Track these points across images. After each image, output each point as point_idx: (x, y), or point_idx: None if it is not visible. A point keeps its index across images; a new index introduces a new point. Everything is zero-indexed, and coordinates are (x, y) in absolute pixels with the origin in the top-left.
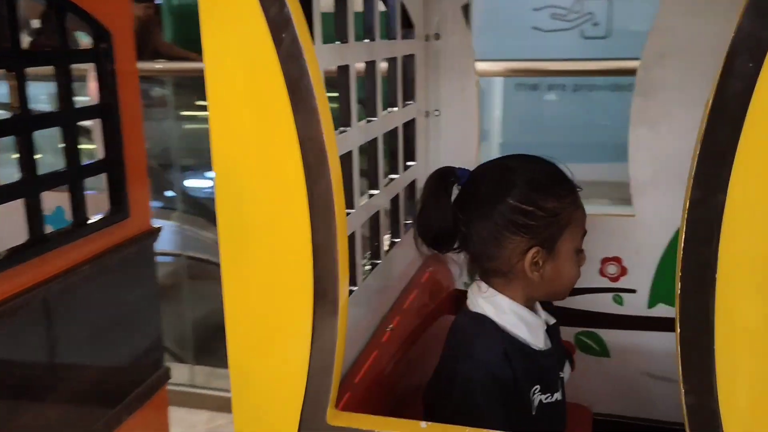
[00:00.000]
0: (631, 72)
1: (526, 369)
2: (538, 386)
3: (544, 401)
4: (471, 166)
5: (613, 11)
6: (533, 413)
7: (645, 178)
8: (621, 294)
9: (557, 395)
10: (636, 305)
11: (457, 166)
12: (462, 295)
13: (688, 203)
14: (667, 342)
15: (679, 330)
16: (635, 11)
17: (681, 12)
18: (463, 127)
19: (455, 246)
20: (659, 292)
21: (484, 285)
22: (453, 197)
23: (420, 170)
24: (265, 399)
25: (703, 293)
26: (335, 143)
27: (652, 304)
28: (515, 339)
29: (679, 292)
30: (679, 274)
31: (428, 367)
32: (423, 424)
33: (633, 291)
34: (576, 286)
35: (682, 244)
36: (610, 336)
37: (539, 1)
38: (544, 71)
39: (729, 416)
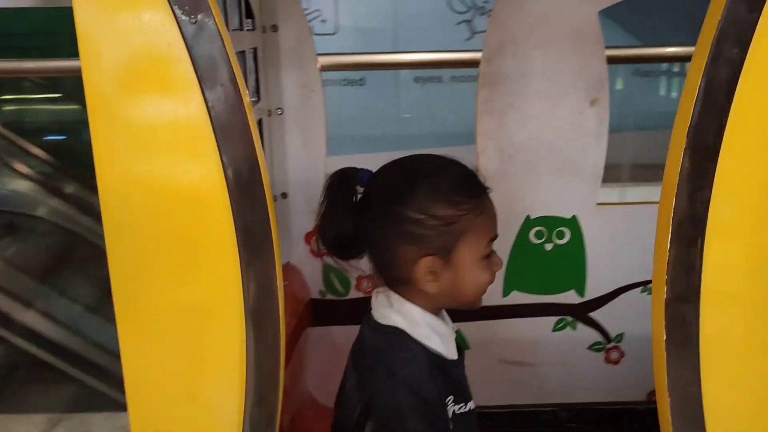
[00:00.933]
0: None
1: (443, 381)
2: (452, 397)
3: (458, 412)
4: (318, 168)
5: (339, 8)
6: (450, 427)
7: (494, 167)
8: None
9: (470, 404)
10: (492, 295)
11: (359, 167)
12: (320, 304)
13: (674, 197)
14: (521, 328)
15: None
16: (359, 9)
17: (512, 7)
18: (308, 126)
19: (360, 254)
20: (512, 280)
21: (393, 295)
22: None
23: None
24: None
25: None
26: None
27: (506, 292)
28: (430, 351)
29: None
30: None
31: (315, 382)
32: None
33: None
34: None
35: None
36: (468, 328)
37: None
38: (394, 63)
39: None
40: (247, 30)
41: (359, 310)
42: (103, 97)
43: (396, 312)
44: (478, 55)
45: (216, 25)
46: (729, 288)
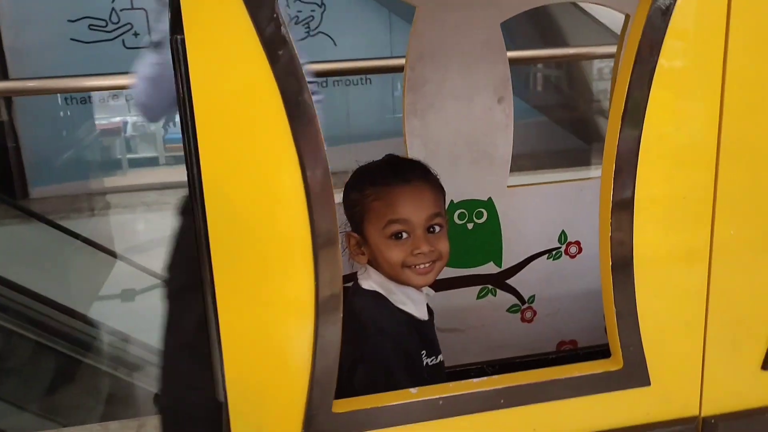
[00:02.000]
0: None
1: (415, 336)
2: (425, 351)
3: (430, 363)
4: None
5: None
6: (425, 376)
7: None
8: None
9: (440, 357)
10: None
11: None
12: None
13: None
14: (450, 298)
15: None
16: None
17: (428, 21)
18: None
19: None
20: None
21: (370, 268)
22: None
23: None
24: (266, 405)
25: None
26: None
27: None
28: (405, 312)
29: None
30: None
31: None
32: (413, 390)
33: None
34: None
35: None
36: None
37: (74, 12)
38: (324, 72)
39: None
40: None
41: None
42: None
43: (373, 281)
44: (402, 61)
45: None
46: (654, 227)
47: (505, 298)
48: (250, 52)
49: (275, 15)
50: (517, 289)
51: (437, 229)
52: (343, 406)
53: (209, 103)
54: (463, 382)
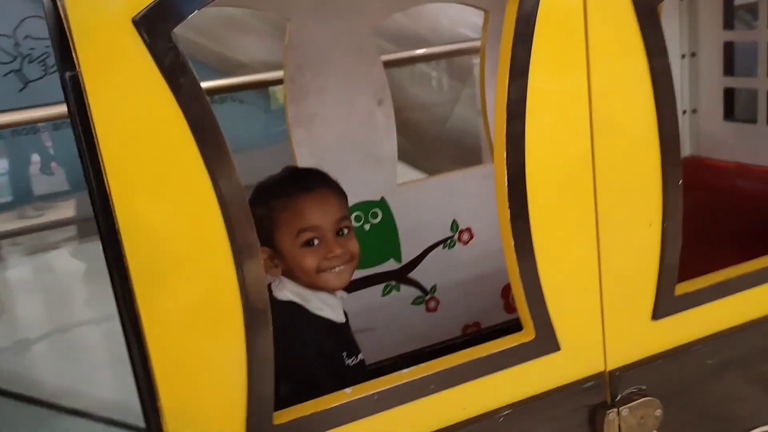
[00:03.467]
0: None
1: (334, 339)
2: (345, 352)
3: (351, 364)
4: None
5: None
6: (349, 376)
7: None
8: None
9: (360, 356)
10: None
11: None
12: None
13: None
14: (358, 300)
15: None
16: None
17: (301, 34)
18: None
19: None
20: None
21: (284, 279)
22: None
23: None
24: (206, 427)
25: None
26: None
27: None
28: (323, 318)
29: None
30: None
31: None
32: (347, 390)
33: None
34: None
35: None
36: None
37: None
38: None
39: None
40: None
41: None
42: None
43: (289, 291)
44: (280, 73)
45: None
46: (546, 206)
47: (408, 292)
48: (151, 82)
49: (172, 43)
50: (419, 281)
51: (346, 231)
52: (283, 416)
53: (115, 138)
54: (394, 374)
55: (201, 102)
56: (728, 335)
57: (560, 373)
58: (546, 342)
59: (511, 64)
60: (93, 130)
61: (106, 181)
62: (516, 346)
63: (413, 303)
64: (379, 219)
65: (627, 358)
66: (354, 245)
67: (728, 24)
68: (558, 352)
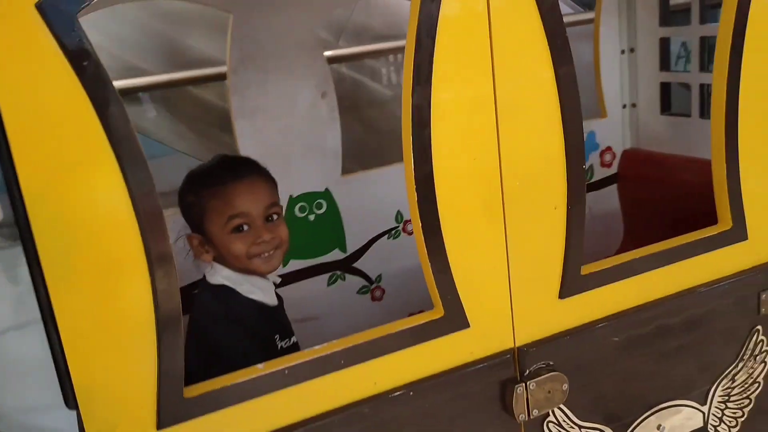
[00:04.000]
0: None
1: (267, 322)
2: (278, 335)
3: (285, 346)
4: None
5: None
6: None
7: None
8: None
9: (293, 338)
10: None
11: None
12: None
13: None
14: (302, 289)
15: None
16: None
17: (244, 29)
18: None
19: None
20: (289, 251)
21: (216, 264)
22: None
23: None
24: (118, 403)
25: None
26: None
27: (285, 262)
28: (255, 302)
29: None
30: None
31: None
32: (260, 365)
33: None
34: None
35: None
36: None
37: None
38: (139, 87)
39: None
40: None
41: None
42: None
43: (221, 275)
44: (224, 69)
45: None
46: (454, 190)
47: (354, 282)
48: (57, 67)
49: (76, 28)
50: (364, 271)
51: (275, 217)
52: (194, 391)
53: (22, 126)
54: (305, 351)
55: (106, 88)
56: (632, 314)
57: (470, 349)
58: (455, 319)
59: (415, 58)
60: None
61: (16, 175)
62: (426, 323)
63: (358, 292)
64: (323, 210)
65: (535, 335)
66: (283, 231)
67: (664, 21)
68: (467, 329)
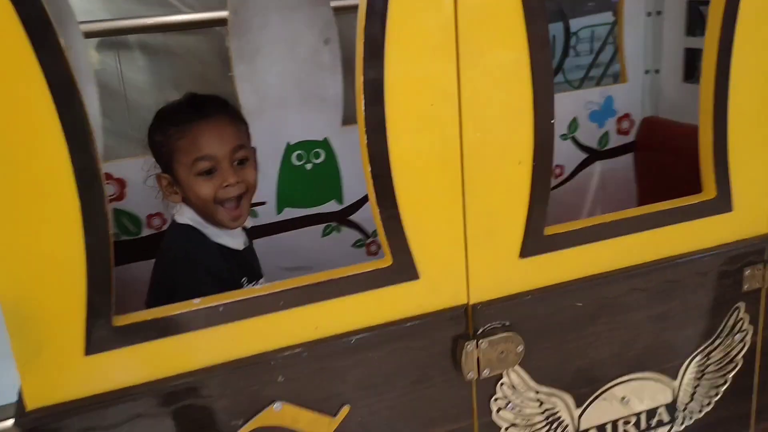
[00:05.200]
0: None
1: (234, 266)
2: (246, 278)
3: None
4: None
5: None
6: None
7: (252, 105)
8: (254, 208)
9: (261, 281)
10: (268, 213)
11: None
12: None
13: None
14: (296, 238)
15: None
16: None
17: None
18: None
19: None
20: (283, 199)
21: (184, 206)
22: None
23: None
24: (44, 327)
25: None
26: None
27: (279, 210)
28: (218, 244)
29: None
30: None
31: None
32: (196, 300)
33: (263, 203)
34: None
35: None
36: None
37: None
38: (126, 29)
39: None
40: None
41: (155, 245)
42: None
43: (187, 216)
44: (224, 13)
45: None
46: (407, 137)
47: (350, 234)
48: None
49: None
50: (360, 224)
51: (244, 161)
52: (123, 320)
53: None
54: (244, 290)
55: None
56: (600, 279)
57: (418, 302)
58: (403, 269)
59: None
60: None
61: None
62: (372, 270)
63: (354, 245)
64: (321, 159)
65: (491, 294)
66: (251, 175)
67: None
68: (416, 281)
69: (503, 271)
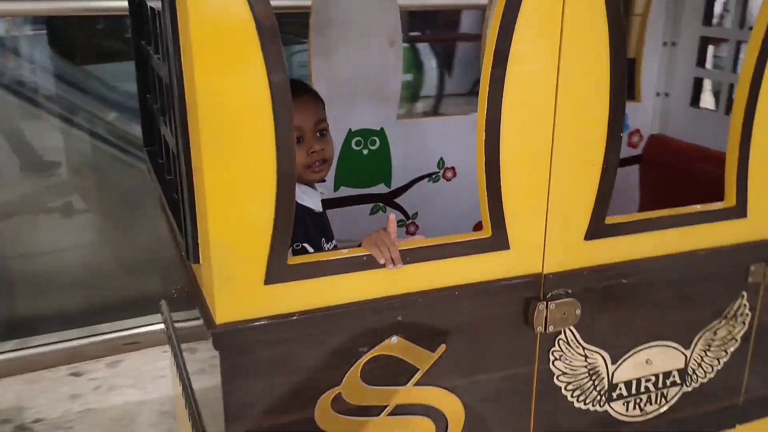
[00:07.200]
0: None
1: (314, 225)
2: (324, 238)
3: (329, 248)
4: None
5: None
6: None
7: (325, 96)
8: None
9: (334, 242)
10: (326, 190)
11: None
12: None
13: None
14: (348, 214)
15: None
16: None
17: None
18: None
19: None
20: (340, 178)
21: None
22: None
23: None
24: (238, 261)
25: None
26: None
27: (336, 188)
28: (302, 206)
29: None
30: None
31: None
32: (344, 251)
33: (324, 180)
34: None
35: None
36: None
37: None
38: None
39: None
40: None
41: None
42: None
43: None
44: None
45: None
46: (517, 141)
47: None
48: None
49: None
50: (403, 206)
51: (324, 133)
52: (294, 260)
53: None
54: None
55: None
56: (642, 263)
57: (507, 268)
58: (499, 241)
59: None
60: None
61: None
62: (476, 239)
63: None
64: (377, 146)
65: (561, 267)
66: (329, 147)
67: (707, 20)
68: (507, 251)
69: (572, 250)
